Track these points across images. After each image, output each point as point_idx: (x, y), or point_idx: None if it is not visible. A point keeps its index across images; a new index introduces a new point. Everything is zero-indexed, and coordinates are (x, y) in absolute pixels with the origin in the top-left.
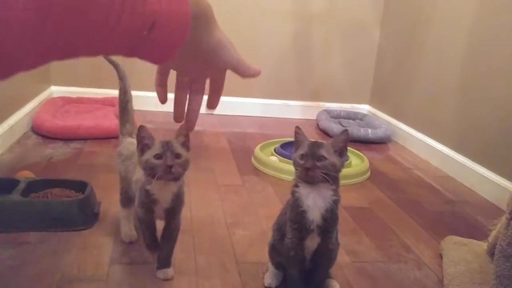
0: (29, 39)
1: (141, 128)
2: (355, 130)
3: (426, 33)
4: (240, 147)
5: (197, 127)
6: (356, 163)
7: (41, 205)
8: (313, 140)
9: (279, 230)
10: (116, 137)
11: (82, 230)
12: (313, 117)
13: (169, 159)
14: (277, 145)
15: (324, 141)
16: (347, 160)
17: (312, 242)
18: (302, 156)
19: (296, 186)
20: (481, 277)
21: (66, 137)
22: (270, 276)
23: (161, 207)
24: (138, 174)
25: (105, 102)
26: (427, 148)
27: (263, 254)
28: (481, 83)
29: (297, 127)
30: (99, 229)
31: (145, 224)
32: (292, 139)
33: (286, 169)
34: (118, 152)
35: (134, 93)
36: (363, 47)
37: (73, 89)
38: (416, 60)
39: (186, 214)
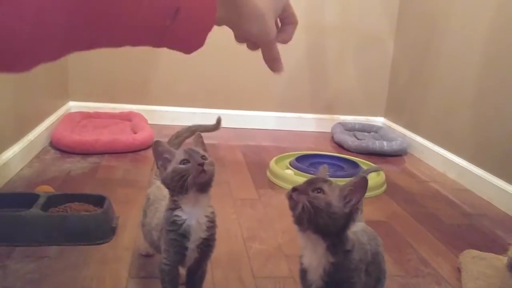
0: (53, 28)
1: (158, 143)
2: (370, 143)
3: (441, 45)
4: (255, 160)
5: (211, 141)
6: (372, 176)
7: (60, 220)
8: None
9: None
10: (133, 151)
11: (100, 244)
12: (328, 129)
13: (198, 159)
14: (292, 158)
15: (334, 182)
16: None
17: None
18: (302, 184)
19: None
20: None
21: (84, 152)
22: None
23: (194, 240)
24: (158, 218)
25: (122, 116)
26: (443, 161)
27: (280, 269)
28: (497, 95)
29: (324, 166)
30: (117, 243)
31: (169, 277)
32: (308, 152)
33: (301, 182)
34: (147, 193)
35: (150, 107)
36: (377, 59)
37: (90, 104)
38: (431, 72)
39: None
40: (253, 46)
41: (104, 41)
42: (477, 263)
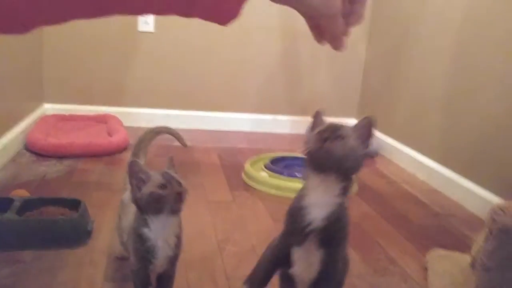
0: None
1: (134, 163)
2: None
3: (412, 49)
4: (231, 162)
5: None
6: None
7: (36, 224)
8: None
9: None
10: (109, 155)
11: (76, 248)
12: (303, 131)
13: (176, 187)
14: (267, 161)
15: (344, 124)
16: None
17: (307, 254)
18: (319, 132)
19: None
20: None
21: (59, 155)
22: None
23: (162, 258)
24: (129, 221)
25: (98, 119)
26: (413, 162)
27: None
28: (466, 99)
29: (318, 110)
30: (92, 246)
31: (139, 279)
32: (283, 154)
33: (276, 184)
34: (122, 198)
35: (125, 109)
36: (350, 63)
37: (65, 107)
38: (402, 75)
39: None
40: (316, 29)
41: (126, 4)
42: (442, 262)
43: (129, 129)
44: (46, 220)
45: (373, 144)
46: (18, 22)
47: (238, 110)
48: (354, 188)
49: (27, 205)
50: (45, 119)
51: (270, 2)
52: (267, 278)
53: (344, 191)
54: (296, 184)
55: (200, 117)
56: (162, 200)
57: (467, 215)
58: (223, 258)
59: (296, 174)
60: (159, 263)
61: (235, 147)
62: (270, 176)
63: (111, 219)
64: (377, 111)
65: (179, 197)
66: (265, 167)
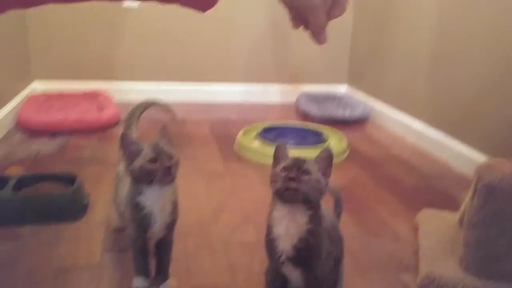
0: None
1: (124, 136)
2: (333, 111)
3: (399, 13)
4: (222, 134)
5: (179, 115)
6: (334, 143)
7: (32, 200)
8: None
9: None
10: (100, 130)
11: (73, 222)
12: (293, 100)
13: (166, 161)
14: (259, 130)
15: (307, 158)
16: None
17: (290, 273)
18: (285, 169)
19: (271, 211)
20: (453, 246)
21: (51, 132)
22: None
23: (159, 225)
24: (126, 191)
25: (87, 95)
26: (403, 126)
27: (248, 235)
28: (453, 61)
29: (280, 142)
30: (89, 220)
31: (137, 247)
32: (274, 123)
33: (268, 153)
34: (117, 170)
35: (114, 83)
36: (338, 29)
37: (55, 83)
38: (390, 39)
39: None
40: (297, 18)
41: None
42: (432, 221)
43: (120, 103)
44: (42, 196)
45: (363, 109)
46: None
47: (228, 81)
48: (345, 153)
49: (23, 182)
50: (35, 97)
51: None
52: None
53: (312, 218)
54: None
55: (190, 90)
56: (152, 174)
57: (455, 175)
58: (218, 225)
59: (289, 142)
60: (157, 229)
61: (226, 118)
62: (262, 145)
63: (106, 192)
64: (366, 76)
65: (168, 171)
66: (257, 137)
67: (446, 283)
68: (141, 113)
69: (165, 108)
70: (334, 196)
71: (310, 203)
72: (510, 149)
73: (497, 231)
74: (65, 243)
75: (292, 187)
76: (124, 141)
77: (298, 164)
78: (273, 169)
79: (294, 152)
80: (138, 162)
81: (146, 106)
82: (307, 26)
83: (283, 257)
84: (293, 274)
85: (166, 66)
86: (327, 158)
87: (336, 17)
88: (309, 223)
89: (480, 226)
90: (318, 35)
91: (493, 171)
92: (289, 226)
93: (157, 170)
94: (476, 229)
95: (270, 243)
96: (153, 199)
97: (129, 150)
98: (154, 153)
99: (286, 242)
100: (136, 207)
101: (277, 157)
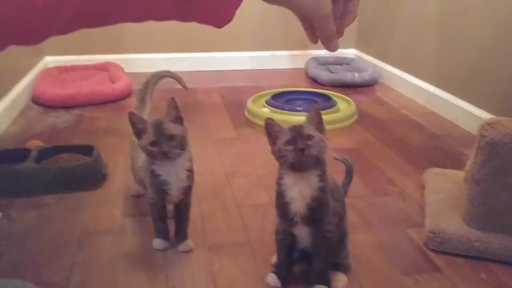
0: (61, 11)
1: (131, 114)
2: (342, 75)
3: None
4: (233, 101)
5: (189, 85)
6: (344, 107)
7: (54, 171)
8: (290, 125)
9: None
10: (113, 101)
11: (94, 190)
12: (302, 65)
13: (164, 145)
14: (268, 97)
15: (301, 123)
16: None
17: (300, 232)
18: (289, 142)
19: (281, 178)
20: (458, 202)
21: (66, 105)
22: None
23: (175, 190)
24: (144, 157)
25: (98, 67)
26: (412, 87)
27: (261, 197)
28: (460, 21)
29: (268, 118)
30: (109, 187)
31: (156, 210)
32: (283, 89)
33: (278, 119)
34: (132, 139)
35: (125, 56)
36: None
37: (66, 58)
38: (398, 2)
39: None
40: (310, 30)
41: (123, 15)
42: (439, 179)
43: (131, 75)
44: (63, 166)
45: (372, 73)
46: (35, 35)
47: (237, 49)
48: (354, 117)
49: (43, 153)
50: (48, 72)
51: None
52: (288, 265)
53: (321, 176)
54: (297, 118)
55: (200, 59)
56: (153, 156)
57: (463, 134)
58: (232, 189)
59: (298, 108)
60: (174, 193)
61: (236, 85)
62: (272, 111)
63: (123, 161)
64: (375, 40)
65: (165, 155)
66: (267, 103)
67: (450, 237)
68: (155, 84)
69: (177, 77)
70: (346, 166)
71: (320, 165)
72: None
73: (500, 186)
74: (87, 210)
75: (305, 158)
76: (131, 119)
77: (300, 133)
78: (274, 145)
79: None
80: (142, 142)
81: (159, 77)
82: (319, 36)
83: (297, 218)
84: (304, 233)
85: (176, 37)
86: (317, 115)
87: (347, 25)
88: (320, 181)
89: (483, 182)
90: (329, 44)
91: (496, 128)
92: (302, 189)
93: (156, 155)
94: (479, 185)
95: (283, 207)
96: (167, 169)
97: (136, 128)
98: (155, 136)
99: (300, 203)
100: (153, 174)
101: (270, 133)
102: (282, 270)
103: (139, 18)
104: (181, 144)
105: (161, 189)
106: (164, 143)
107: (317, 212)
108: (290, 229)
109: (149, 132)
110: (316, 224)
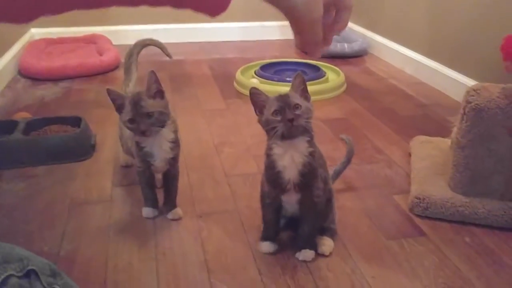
0: None
1: (108, 91)
2: (332, 46)
3: None
4: (222, 72)
5: (178, 56)
6: (333, 77)
7: (43, 141)
8: (276, 95)
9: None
10: (101, 73)
11: (82, 161)
12: (291, 36)
13: (141, 124)
14: (257, 68)
15: (286, 92)
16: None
17: (290, 198)
18: (276, 112)
19: (270, 149)
20: (444, 169)
21: (54, 78)
22: None
23: (160, 161)
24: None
25: (86, 40)
26: (401, 57)
27: (249, 167)
28: None
29: (252, 88)
30: (98, 158)
31: (144, 179)
32: (272, 60)
33: (267, 90)
34: None
35: (112, 28)
36: None
37: (53, 30)
38: None
39: None
40: (299, 35)
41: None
42: (425, 147)
43: (119, 47)
44: (51, 137)
45: (361, 43)
46: (23, 15)
47: (226, 19)
48: (343, 87)
49: (31, 125)
50: (34, 44)
51: None
52: (276, 228)
53: (310, 142)
54: (287, 88)
55: (188, 30)
56: (133, 130)
57: (451, 103)
58: (221, 159)
59: (287, 79)
60: (159, 164)
61: (225, 57)
62: (261, 82)
63: (112, 132)
64: (365, 10)
65: (143, 133)
66: (256, 74)
67: (435, 202)
68: (138, 53)
69: (160, 45)
70: (348, 147)
71: (308, 132)
72: (502, 76)
73: (484, 151)
74: (77, 180)
75: (293, 128)
76: (110, 96)
77: (287, 103)
78: (261, 115)
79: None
80: (122, 118)
81: (142, 46)
82: (306, 40)
83: (290, 185)
84: (293, 199)
85: (163, 7)
86: (301, 83)
87: (336, 33)
88: (309, 147)
89: (468, 148)
90: (313, 49)
91: (481, 94)
92: (293, 157)
93: (135, 131)
94: (464, 150)
95: (275, 176)
96: (150, 141)
97: (116, 104)
98: (132, 113)
99: (292, 171)
100: (137, 145)
101: (256, 103)
102: (270, 233)
103: (136, 2)
104: (160, 121)
105: (146, 160)
106: (141, 121)
107: (308, 178)
108: (279, 196)
109: (127, 109)
110: (306, 190)
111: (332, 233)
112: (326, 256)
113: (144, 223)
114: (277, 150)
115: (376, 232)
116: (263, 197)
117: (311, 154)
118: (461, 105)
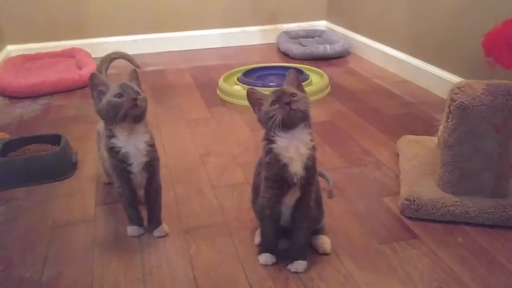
0: None
1: (94, 75)
2: (314, 48)
3: None
4: (205, 80)
5: (159, 66)
6: (316, 80)
7: (21, 163)
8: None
9: (255, 191)
10: (81, 88)
11: (64, 180)
12: (273, 40)
13: (132, 94)
14: (240, 74)
15: (282, 86)
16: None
17: (291, 198)
18: (274, 102)
19: (272, 142)
20: (432, 168)
21: (32, 95)
22: (259, 234)
23: (137, 165)
24: (103, 150)
25: (65, 54)
26: (384, 56)
27: (236, 177)
28: None
29: (250, 88)
30: (80, 176)
31: (126, 199)
32: (254, 65)
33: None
34: (97, 129)
35: (91, 41)
36: None
37: (30, 46)
38: None
39: (160, 149)
40: None
41: None
42: (412, 146)
43: (98, 60)
44: (30, 157)
45: (343, 44)
46: None
47: (206, 27)
48: (327, 89)
49: (9, 146)
50: (11, 61)
51: None
52: (276, 239)
53: (311, 135)
54: None
55: (169, 39)
56: (118, 107)
57: (436, 100)
58: (207, 170)
59: (270, 83)
60: (136, 170)
61: (207, 64)
62: (243, 88)
63: (93, 148)
64: (345, 10)
65: (134, 102)
66: (238, 80)
67: (426, 203)
68: (107, 69)
69: (128, 58)
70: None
71: (308, 120)
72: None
73: (471, 149)
74: (59, 201)
75: (292, 112)
76: (93, 81)
77: (284, 91)
78: (260, 111)
79: None
80: (105, 99)
81: (109, 61)
82: None
83: (296, 179)
84: (293, 200)
85: (142, 17)
86: (295, 77)
87: None
88: (312, 140)
89: (455, 146)
90: None
91: (465, 91)
92: (299, 148)
93: (123, 103)
94: (452, 149)
95: (280, 171)
96: (126, 140)
97: (98, 89)
98: (120, 89)
99: (298, 163)
100: (112, 151)
101: (253, 102)
102: (270, 246)
103: None
104: (143, 107)
105: (123, 169)
106: (131, 93)
107: (311, 172)
108: (281, 199)
109: (113, 88)
110: (306, 187)
111: (325, 230)
112: (318, 265)
113: (129, 242)
114: (281, 142)
115: (368, 237)
116: (262, 209)
117: (314, 147)
118: (446, 104)
